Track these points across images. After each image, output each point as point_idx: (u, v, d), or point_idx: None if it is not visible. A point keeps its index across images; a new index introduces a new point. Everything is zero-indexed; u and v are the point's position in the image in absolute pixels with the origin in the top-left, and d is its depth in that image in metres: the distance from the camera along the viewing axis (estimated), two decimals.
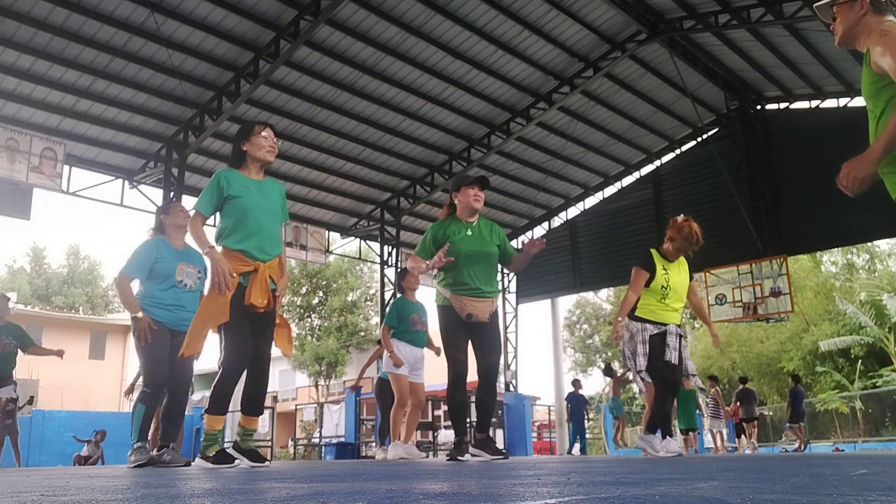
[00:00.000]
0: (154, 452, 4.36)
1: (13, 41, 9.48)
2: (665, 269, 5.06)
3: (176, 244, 4.52)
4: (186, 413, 9.28)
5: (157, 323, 4.30)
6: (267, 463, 3.89)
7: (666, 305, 5.04)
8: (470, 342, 4.52)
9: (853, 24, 2.68)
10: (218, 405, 3.71)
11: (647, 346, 4.98)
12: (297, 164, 13.39)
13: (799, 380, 14.04)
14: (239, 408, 3.94)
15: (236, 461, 3.67)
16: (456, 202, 4.60)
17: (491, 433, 4.66)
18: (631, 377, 5.20)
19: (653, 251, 5.16)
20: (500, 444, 15.35)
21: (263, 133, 3.84)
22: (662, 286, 5.00)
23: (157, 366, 4.30)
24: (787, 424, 13.73)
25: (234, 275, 3.57)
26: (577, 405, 13.30)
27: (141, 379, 4.41)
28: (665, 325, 5.05)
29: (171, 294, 4.38)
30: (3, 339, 6.69)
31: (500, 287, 4.58)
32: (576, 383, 13.75)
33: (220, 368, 3.67)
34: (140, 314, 4.25)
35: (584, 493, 1.36)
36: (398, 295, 6.84)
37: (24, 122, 10.59)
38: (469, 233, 4.51)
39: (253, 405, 3.88)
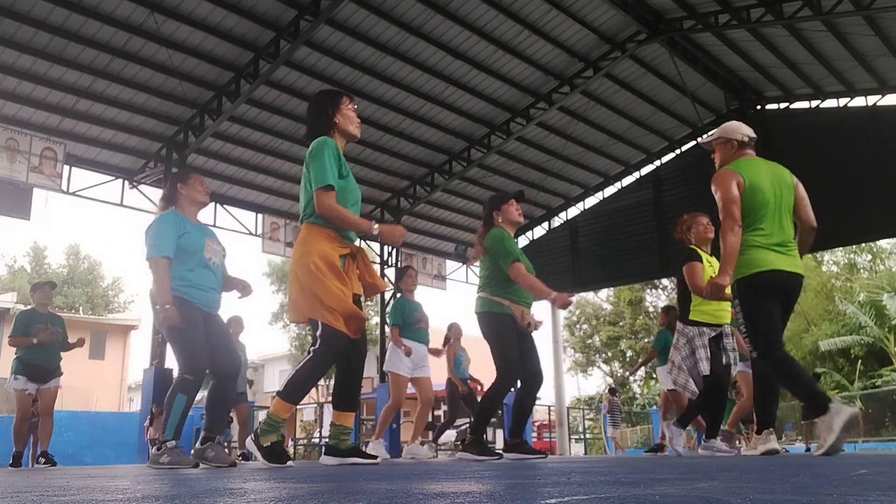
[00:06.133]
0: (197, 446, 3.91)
1: (13, 41, 9.48)
2: (709, 262, 4.99)
3: (192, 220, 4.04)
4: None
5: (191, 304, 3.84)
6: (378, 460, 3.47)
7: (719, 302, 4.89)
8: None
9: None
10: (293, 393, 3.28)
11: (709, 351, 4.85)
12: (298, 163, 13.38)
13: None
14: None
15: (289, 462, 3.30)
16: (496, 220, 4.58)
17: (490, 433, 4.74)
18: (681, 384, 5.01)
19: (692, 247, 5.11)
20: (499, 444, 15.40)
21: (352, 105, 3.45)
22: (711, 276, 4.85)
23: (199, 350, 3.82)
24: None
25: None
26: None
27: (176, 373, 3.93)
28: (720, 325, 4.95)
29: (202, 274, 3.91)
30: (51, 328, 6.33)
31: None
32: None
33: (310, 354, 3.26)
34: (169, 305, 3.75)
35: (584, 493, 1.36)
36: (398, 295, 6.90)
37: (24, 122, 10.59)
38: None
39: (346, 399, 3.44)
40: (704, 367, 4.80)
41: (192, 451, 3.92)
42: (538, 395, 4.77)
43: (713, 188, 3.81)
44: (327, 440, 3.52)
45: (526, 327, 4.43)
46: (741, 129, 4.04)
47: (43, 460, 6.46)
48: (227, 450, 4.38)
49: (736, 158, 3.92)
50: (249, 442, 3.33)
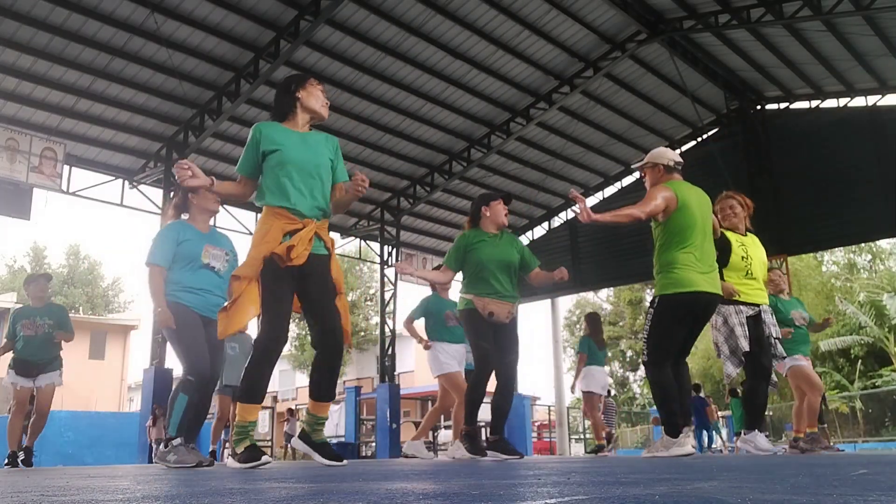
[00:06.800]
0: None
1: (13, 41, 9.48)
2: (741, 243, 4.96)
3: (200, 227, 4.19)
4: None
5: (186, 308, 3.97)
6: (344, 462, 3.36)
7: (753, 281, 4.89)
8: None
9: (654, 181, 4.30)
10: (251, 392, 3.22)
11: (747, 328, 4.81)
12: None
13: None
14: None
15: (264, 458, 3.15)
16: (485, 215, 4.81)
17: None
18: (730, 373, 4.89)
19: (723, 231, 4.99)
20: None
21: (319, 86, 3.46)
22: (742, 257, 4.89)
23: (198, 350, 3.91)
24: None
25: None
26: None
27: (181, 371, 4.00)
28: (758, 305, 4.90)
29: (198, 277, 4.05)
30: (38, 321, 6.06)
31: (519, 295, 4.77)
32: (696, 387, 13.71)
33: (253, 346, 3.25)
34: (161, 309, 3.93)
35: (584, 493, 1.36)
36: (431, 292, 6.67)
37: (24, 122, 10.59)
38: (494, 241, 4.75)
39: (319, 389, 3.35)
40: (743, 344, 4.76)
41: (196, 461, 3.91)
42: (511, 390, 4.82)
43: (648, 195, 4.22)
44: (303, 425, 3.47)
45: (488, 316, 4.56)
46: (667, 155, 4.38)
47: (22, 455, 6.17)
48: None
49: (663, 181, 4.28)
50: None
